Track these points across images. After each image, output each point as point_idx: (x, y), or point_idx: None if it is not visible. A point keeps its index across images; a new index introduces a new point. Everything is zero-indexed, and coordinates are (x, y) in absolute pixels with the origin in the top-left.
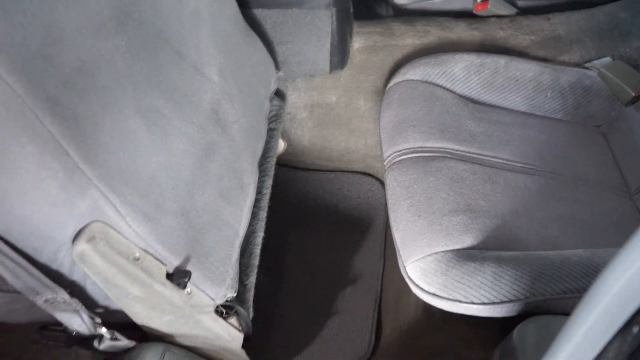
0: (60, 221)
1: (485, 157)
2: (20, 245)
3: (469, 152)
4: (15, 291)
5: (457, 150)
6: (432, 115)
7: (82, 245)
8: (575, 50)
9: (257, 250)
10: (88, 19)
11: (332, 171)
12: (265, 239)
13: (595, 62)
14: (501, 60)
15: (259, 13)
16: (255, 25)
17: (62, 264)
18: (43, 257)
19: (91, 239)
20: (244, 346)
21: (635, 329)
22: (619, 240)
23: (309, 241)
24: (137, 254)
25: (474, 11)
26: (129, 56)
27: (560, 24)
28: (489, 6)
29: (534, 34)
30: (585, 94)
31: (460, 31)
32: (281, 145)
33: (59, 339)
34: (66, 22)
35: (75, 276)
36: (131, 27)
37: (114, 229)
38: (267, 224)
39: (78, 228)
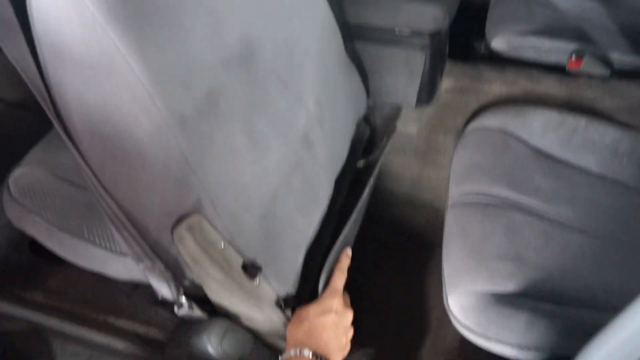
0: (170, 211)
1: (545, 212)
2: (137, 222)
3: (530, 205)
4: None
5: (519, 201)
6: (502, 165)
7: (182, 231)
8: None
9: (320, 256)
10: (220, 54)
11: (402, 194)
12: (328, 244)
13: None
14: (582, 121)
15: (360, 45)
16: (354, 55)
17: (163, 242)
18: (150, 234)
19: (190, 228)
20: None
21: None
22: None
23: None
24: (222, 245)
25: (566, 68)
26: (246, 86)
27: None
28: (581, 67)
29: (623, 98)
30: None
31: (548, 85)
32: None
33: (146, 297)
34: (204, 56)
35: (171, 253)
36: (253, 64)
37: (209, 222)
38: (333, 231)
39: (181, 217)
